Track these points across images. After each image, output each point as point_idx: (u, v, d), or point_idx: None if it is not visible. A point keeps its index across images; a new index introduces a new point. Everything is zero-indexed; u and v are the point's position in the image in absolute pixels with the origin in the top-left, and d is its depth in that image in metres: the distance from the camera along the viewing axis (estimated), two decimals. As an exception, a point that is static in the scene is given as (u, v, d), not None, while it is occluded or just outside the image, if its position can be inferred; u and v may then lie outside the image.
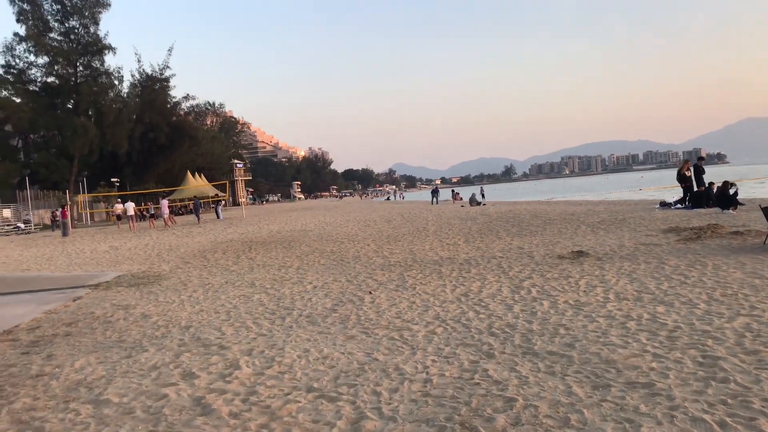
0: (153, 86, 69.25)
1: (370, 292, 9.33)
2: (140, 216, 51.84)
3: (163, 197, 42.41)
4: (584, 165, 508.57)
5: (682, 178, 21.69)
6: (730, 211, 17.59)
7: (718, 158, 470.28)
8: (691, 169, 21.55)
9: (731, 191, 18.01)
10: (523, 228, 18.25)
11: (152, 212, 37.81)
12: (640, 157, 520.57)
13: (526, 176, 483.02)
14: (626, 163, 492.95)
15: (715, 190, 20.71)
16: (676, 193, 46.24)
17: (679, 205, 21.25)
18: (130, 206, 33.98)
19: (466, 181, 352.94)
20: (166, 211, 33.40)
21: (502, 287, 9.02)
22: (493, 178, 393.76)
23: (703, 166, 21.16)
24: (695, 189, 20.84)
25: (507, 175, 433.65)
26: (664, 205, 22.07)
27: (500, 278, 9.81)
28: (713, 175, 22.62)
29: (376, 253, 14.70)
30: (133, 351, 6.77)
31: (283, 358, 5.98)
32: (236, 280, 11.98)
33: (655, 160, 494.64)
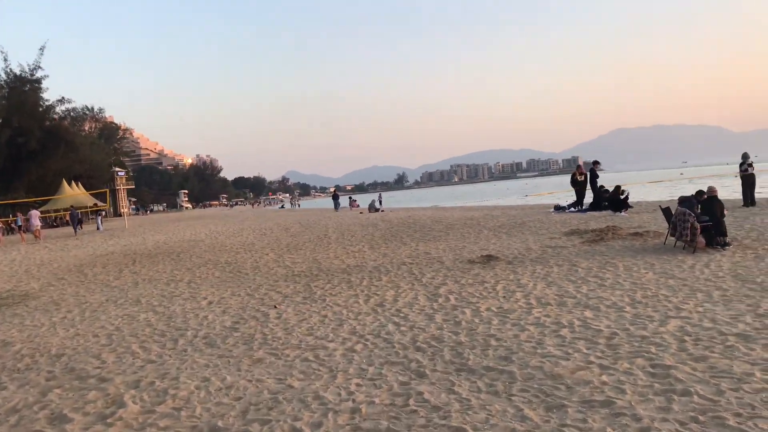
0: (22, 87, 63.57)
1: (276, 307, 8.45)
2: (7, 229, 47.27)
3: (34, 207, 38.62)
4: (472, 173, 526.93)
5: (575, 183, 22.36)
6: (623, 213, 18.22)
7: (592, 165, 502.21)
8: (585, 174, 22.26)
9: (622, 195, 18.69)
10: (426, 233, 17.94)
11: (20, 224, 34.27)
12: (524, 165, 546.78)
13: (417, 184, 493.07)
14: (511, 171, 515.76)
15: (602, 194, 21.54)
16: (562, 197, 48.52)
17: (572, 209, 21.85)
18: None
19: (360, 189, 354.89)
20: (36, 222, 30.32)
21: (418, 295, 8.45)
22: (386, 186, 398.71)
23: (597, 171, 21.87)
24: (593, 192, 21.50)
25: (399, 182, 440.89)
26: (558, 208, 22.63)
27: (414, 285, 9.25)
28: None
29: (277, 262, 13.75)
30: (-14, 390, 5.53)
31: (178, 390, 5.03)
32: (119, 297, 10.64)
33: (537, 167, 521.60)
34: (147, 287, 11.57)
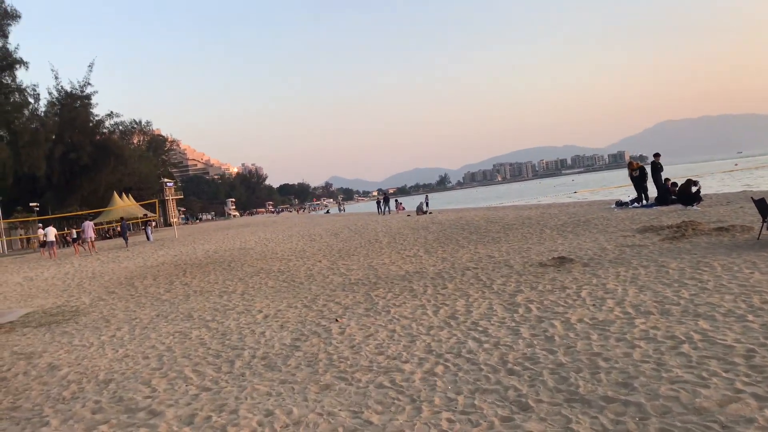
0: (73, 104, 65.12)
1: (337, 320, 7.73)
2: (63, 242, 48.25)
3: (88, 219, 39.15)
4: (515, 171, 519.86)
5: (633, 178, 21.10)
6: (695, 207, 16.94)
7: (640, 160, 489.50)
8: (642, 166, 20.96)
9: (694, 189, 17.42)
10: (483, 235, 17.04)
11: (75, 237, 34.71)
12: (568, 161, 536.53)
13: (460, 184, 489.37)
14: (555, 168, 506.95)
15: (670, 187, 20.24)
16: (615, 193, 46.71)
17: (636, 204, 20.60)
18: (50, 231, 30.94)
19: (402, 191, 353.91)
20: (90, 233, 30.57)
21: (492, 305, 7.61)
22: (428, 188, 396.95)
23: (660, 163, 20.55)
24: (657, 186, 20.23)
25: (442, 184, 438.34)
26: (620, 204, 21.40)
27: (485, 293, 8.41)
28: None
29: (332, 270, 13.08)
30: (28, 425, 4.95)
31: (238, 427, 4.34)
32: (170, 311, 10.12)
33: (583, 164, 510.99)
34: (199, 300, 11.04)
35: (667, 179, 20.41)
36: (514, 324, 6.51)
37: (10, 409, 5.48)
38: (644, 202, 20.62)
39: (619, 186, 61.14)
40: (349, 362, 5.74)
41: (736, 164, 74.83)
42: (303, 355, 6.20)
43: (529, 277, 9.28)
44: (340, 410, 4.47)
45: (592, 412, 3.90)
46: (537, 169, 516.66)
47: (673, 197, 19.85)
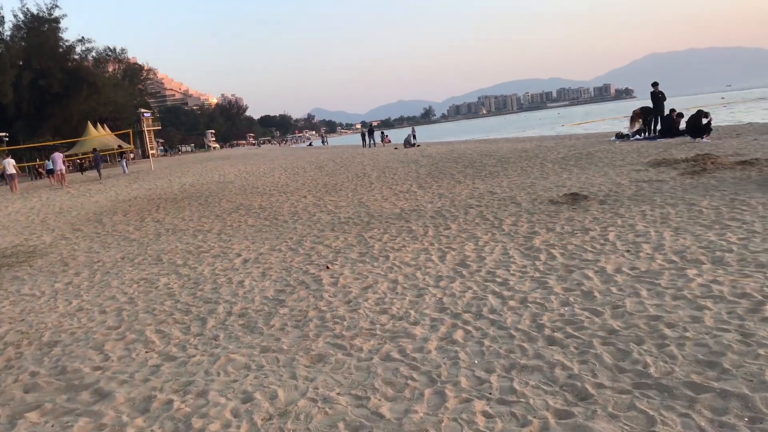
0: (40, 27, 61.58)
1: (328, 267, 6.69)
2: (36, 173, 46.49)
3: (58, 150, 37.26)
4: (500, 104, 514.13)
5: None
6: (704, 139, 15.91)
7: (626, 93, 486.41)
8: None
9: (704, 120, 16.30)
10: (479, 169, 15.95)
11: (50, 168, 32.95)
12: (554, 94, 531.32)
13: (445, 117, 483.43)
14: (540, 101, 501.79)
15: (675, 118, 19.17)
16: (602, 126, 45.54)
17: (638, 137, 19.54)
18: (8, 163, 29.09)
19: (386, 124, 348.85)
20: (60, 165, 28.96)
21: (507, 249, 6.59)
22: (412, 120, 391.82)
23: (661, 91, 19.25)
24: (660, 117, 19.11)
25: (426, 116, 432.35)
26: (621, 137, 20.32)
27: (495, 235, 7.39)
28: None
29: (318, 207, 11.98)
30: (-58, 407, 3.90)
31: (207, 419, 3.33)
32: (137, 253, 9.01)
33: (568, 96, 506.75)
34: (171, 240, 9.92)
35: (672, 110, 19.30)
36: (538, 274, 5.50)
37: (-73, 382, 4.43)
38: (647, 134, 19.58)
39: (607, 118, 60.21)
40: (345, 324, 4.72)
41: (722, 98, 73.53)
42: (289, 313, 5.17)
43: (542, 216, 8.26)
44: (338, 394, 3.47)
45: (677, 405, 2.92)
46: (522, 102, 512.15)
47: (680, 128, 18.82)
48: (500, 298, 4.90)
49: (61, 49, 65.82)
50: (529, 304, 4.67)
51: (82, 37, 70.43)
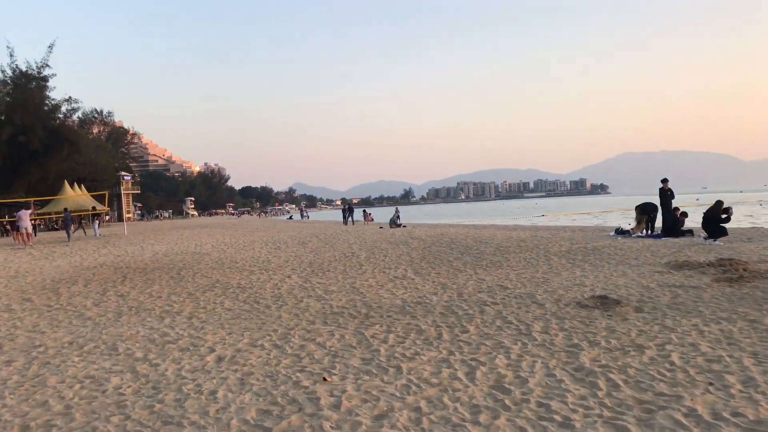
0: (27, 84, 60.87)
1: (325, 378, 5.30)
2: (3, 230, 44.52)
3: (25, 207, 35.45)
4: (479, 191, 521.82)
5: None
6: (716, 241, 14.93)
7: (601, 188, 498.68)
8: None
9: (725, 215, 15.06)
10: (477, 257, 14.81)
11: (18, 225, 31.09)
12: (531, 185, 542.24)
13: (424, 199, 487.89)
14: (518, 191, 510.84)
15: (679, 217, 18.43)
16: (579, 219, 45.31)
17: (639, 233, 18.68)
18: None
19: (366, 202, 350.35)
20: (26, 224, 27.27)
21: (551, 368, 5.30)
22: (392, 200, 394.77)
23: (670, 188, 18.64)
24: (665, 215, 18.36)
25: (406, 197, 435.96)
26: (622, 232, 19.47)
27: (527, 346, 6.10)
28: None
29: (305, 289, 10.62)
30: None
31: None
32: (90, 337, 7.52)
33: (545, 188, 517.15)
34: (132, 322, 8.44)
35: (676, 208, 18.60)
36: (608, 412, 4.20)
37: None
38: (649, 231, 18.74)
39: (588, 212, 60.62)
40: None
41: (696, 199, 74.68)
42: (278, 452, 3.77)
43: (574, 323, 7.02)
44: None
45: None
46: (500, 190, 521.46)
47: (682, 228, 18.03)
48: (573, 453, 3.58)
49: (46, 107, 65.12)
50: (618, 467, 3.35)
51: (69, 97, 69.87)
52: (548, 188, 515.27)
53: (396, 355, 5.96)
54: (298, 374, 5.46)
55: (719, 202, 15.38)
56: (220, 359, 6.15)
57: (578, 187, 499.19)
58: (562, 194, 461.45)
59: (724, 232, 15.06)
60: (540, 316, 7.53)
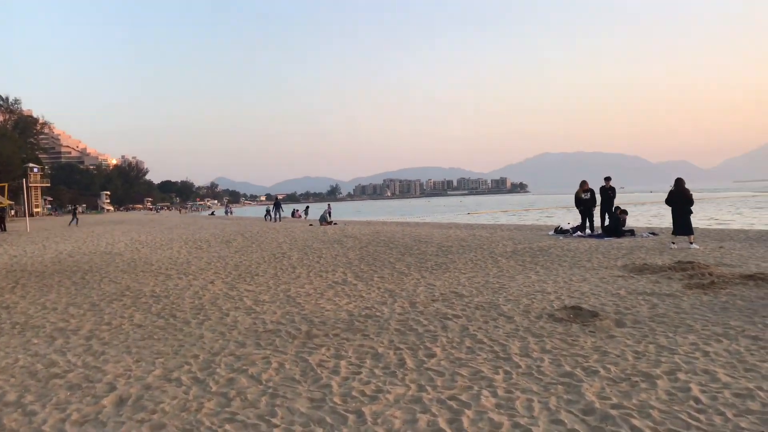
0: None
1: (264, 436, 3.96)
2: None
3: None
4: (405, 188, 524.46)
5: (579, 202, 18.67)
6: (645, 235, 14.54)
7: (521, 187, 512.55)
8: (591, 190, 18.59)
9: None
10: (420, 257, 13.75)
11: None
12: (454, 183, 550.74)
13: (350, 196, 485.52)
14: (442, 189, 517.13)
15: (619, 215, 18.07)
16: (500, 217, 45.63)
17: (579, 233, 18.19)
18: None
19: (292, 198, 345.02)
20: None
21: (553, 410, 4.17)
22: (318, 197, 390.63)
23: (612, 186, 18.25)
24: (607, 214, 17.94)
25: (332, 194, 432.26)
26: (562, 231, 18.93)
27: (512, 377, 4.97)
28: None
29: (231, 299, 9.15)
30: None
31: None
32: (-50, 369, 5.83)
33: (467, 186, 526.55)
34: (13, 344, 6.76)
35: (617, 207, 18.22)
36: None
37: None
38: (588, 231, 18.28)
39: (508, 210, 61.96)
40: None
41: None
42: None
43: (555, 342, 5.97)
44: None
45: None
46: (425, 187, 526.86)
47: (623, 228, 17.67)
48: None
49: (-62, 91, 59.51)
50: None
51: (-33, 81, 64.22)
52: (471, 186, 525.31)
53: (353, 393, 4.68)
54: (226, 426, 4.10)
55: (616, 208, 16.30)
56: (121, 401, 4.69)
57: (499, 186, 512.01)
58: (483, 192, 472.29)
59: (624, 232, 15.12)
60: (512, 332, 6.45)
